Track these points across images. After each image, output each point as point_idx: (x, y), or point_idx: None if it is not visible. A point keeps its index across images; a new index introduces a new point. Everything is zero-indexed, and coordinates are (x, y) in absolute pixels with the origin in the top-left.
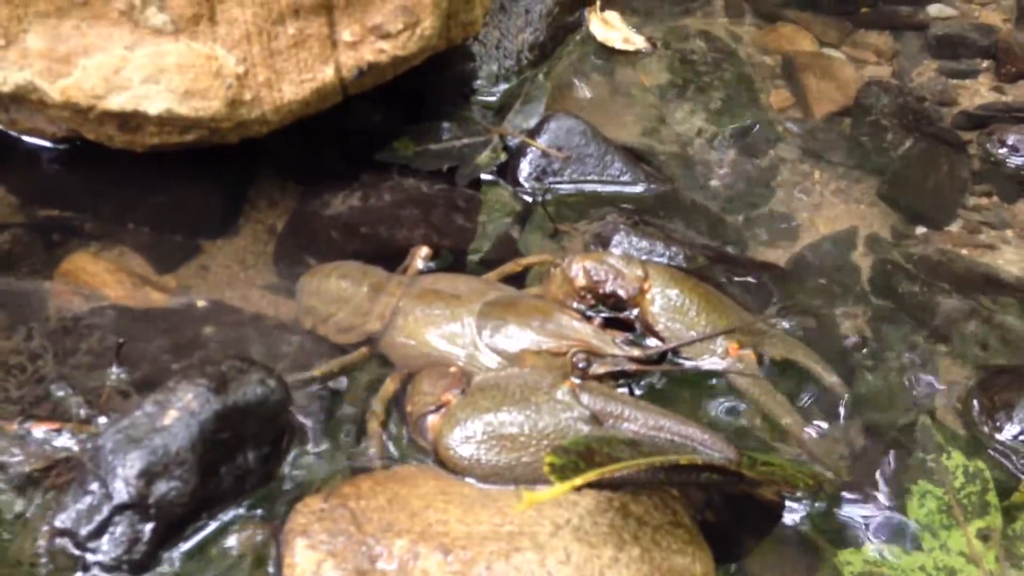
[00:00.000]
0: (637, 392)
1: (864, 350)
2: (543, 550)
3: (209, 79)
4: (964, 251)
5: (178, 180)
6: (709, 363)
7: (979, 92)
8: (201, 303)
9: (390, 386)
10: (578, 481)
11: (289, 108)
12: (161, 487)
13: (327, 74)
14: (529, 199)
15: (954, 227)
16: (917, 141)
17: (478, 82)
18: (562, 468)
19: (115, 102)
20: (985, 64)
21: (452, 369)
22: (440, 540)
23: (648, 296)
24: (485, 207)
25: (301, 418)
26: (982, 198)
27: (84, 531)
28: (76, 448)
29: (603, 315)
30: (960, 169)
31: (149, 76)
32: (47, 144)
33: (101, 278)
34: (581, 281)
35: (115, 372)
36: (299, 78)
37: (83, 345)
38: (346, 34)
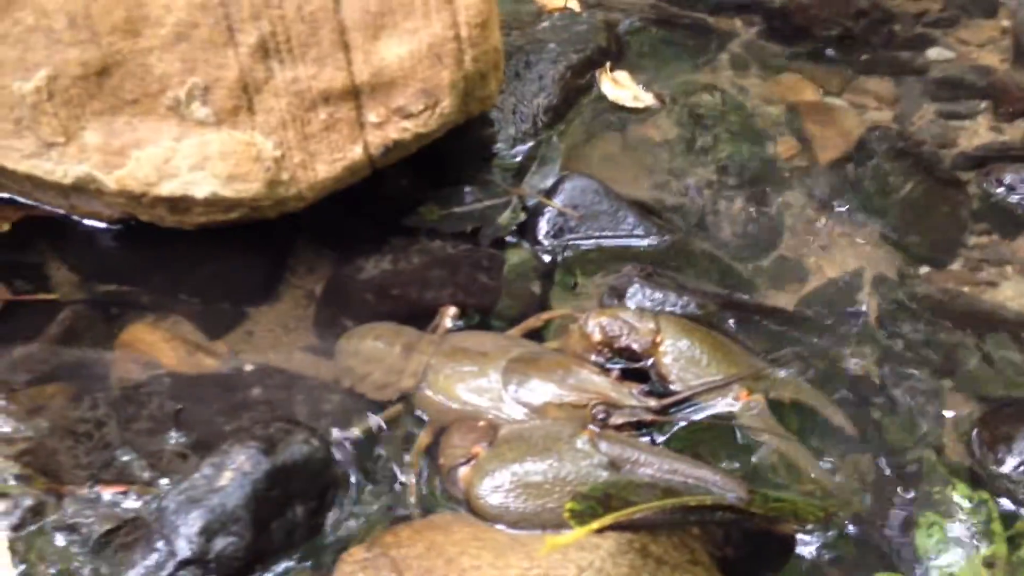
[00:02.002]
0: (660, 439)
1: (872, 388)
2: None
3: (249, 164)
4: (966, 288)
5: (224, 253)
6: (722, 409)
7: (978, 133)
8: (248, 367)
9: (424, 439)
10: (595, 525)
11: (323, 185)
12: (219, 543)
13: (356, 153)
14: (549, 256)
15: (956, 265)
16: (918, 183)
17: (497, 146)
18: (581, 513)
19: (166, 188)
20: (983, 105)
21: (480, 423)
22: None
23: (661, 348)
24: (508, 266)
25: (343, 472)
26: (982, 236)
27: None
28: (141, 509)
29: (620, 367)
30: (960, 209)
31: (195, 164)
32: (104, 225)
33: (157, 347)
34: (597, 336)
35: (174, 436)
36: (331, 158)
37: (144, 411)
38: (372, 116)
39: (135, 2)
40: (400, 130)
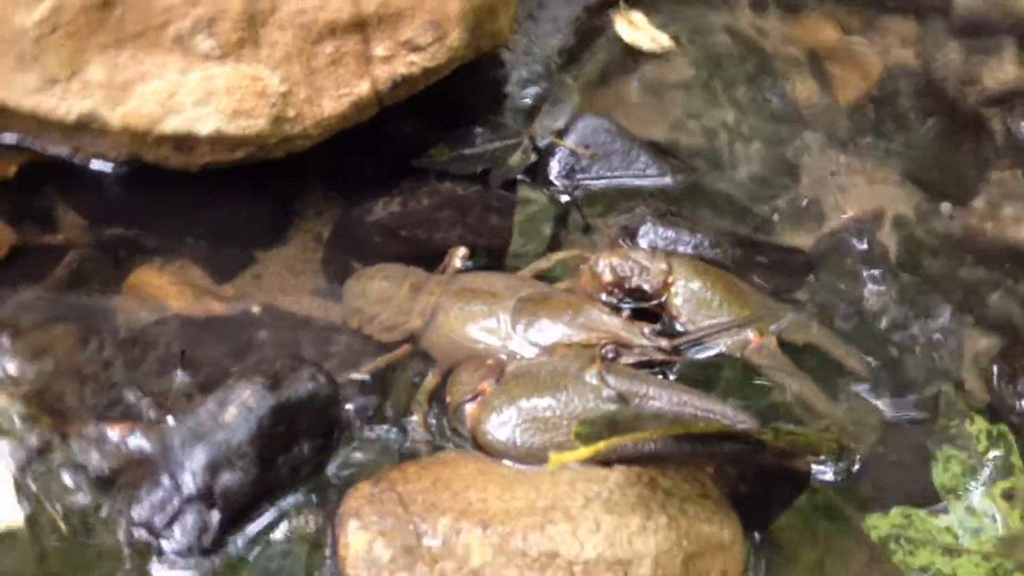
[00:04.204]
0: (671, 378)
1: (891, 325)
2: (575, 521)
3: (255, 99)
4: (988, 225)
5: (232, 195)
6: (734, 350)
7: (1003, 70)
8: (256, 309)
9: (432, 379)
10: (601, 445)
11: (329, 122)
12: (225, 478)
13: (363, 88)
14: (561, 197)
15: (978, 203)
16: (939, 121)
17: (510, 87)
18: (587, 437)
19: (170, 125)
20: (1009, 42)
21: (488, 361)
22: (480, 516)
23: (672, 289)
24: (519, 207)
25: (351, 411)
26: (1005, 173)
27: (158, 521)
28: (147, 447)
29: (631, 306)
30: (982, 146)
31: (200, 99)
32: (109, 168)
33: (165, 290)
34: (608, 277)
35: (180, 376)
36: (337, 93)
37: (150, 353)
38: (379, 49)
39: None
40: (408, 64)
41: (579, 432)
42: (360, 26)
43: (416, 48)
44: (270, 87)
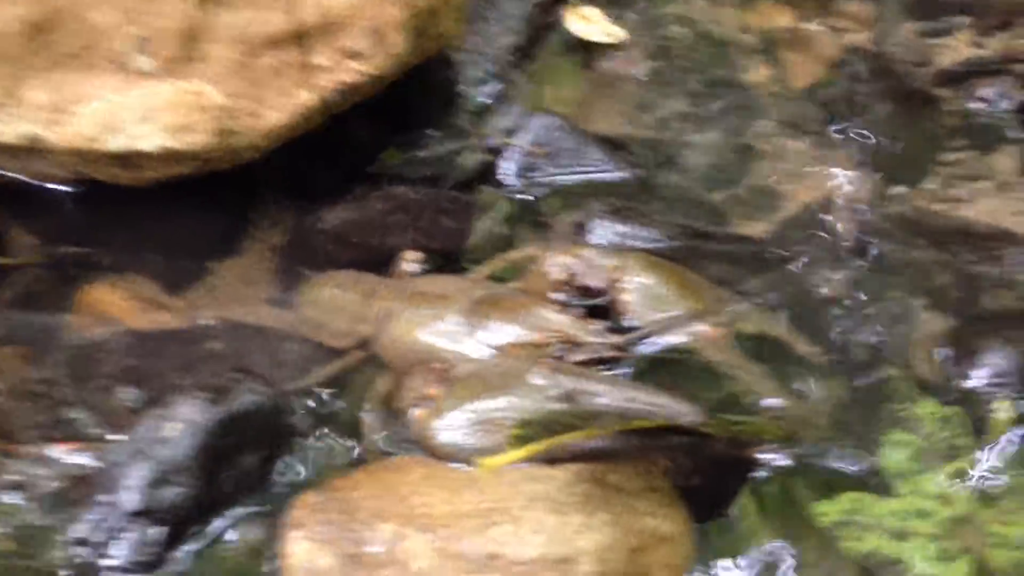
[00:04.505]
0: (625, 374)
1: (843, 311)
2: (517, 522)
3: (197, 114)
4: (940, 206)
5: (186, 209)
6: (686, 343)
7: (957, 49)
8: (209, 321)
9: (383, 385)
10: (535, 447)
11: (276, 133)
12: (167, 494)
13: (307, 98)
14: (515, 196)
15: (930, 184)
16: (893, 103)
17: (462, 88)
18: (523, 438)
19: (113, 144)
20: (964, 21)
21: (437, 365)
22: (424, 521)
23: (623, 285)
24: (475, 208)
25: (300, 420)
26: (958, 153)
27: (98, 539)
28: (92, 464)
29: (582, 304)
30: (935, 127)
31: (142, 117)
32: (62, 188)
33: (117, 306)
34: (559, 275)
35: (129, 392)
36: (281, 104)
37: (100, 369)
38: (321, 59)
39: None
40: (351, 72)
41: (516, 434)
42: (299, 37)
43: (358, 56)
44: (212, 101)
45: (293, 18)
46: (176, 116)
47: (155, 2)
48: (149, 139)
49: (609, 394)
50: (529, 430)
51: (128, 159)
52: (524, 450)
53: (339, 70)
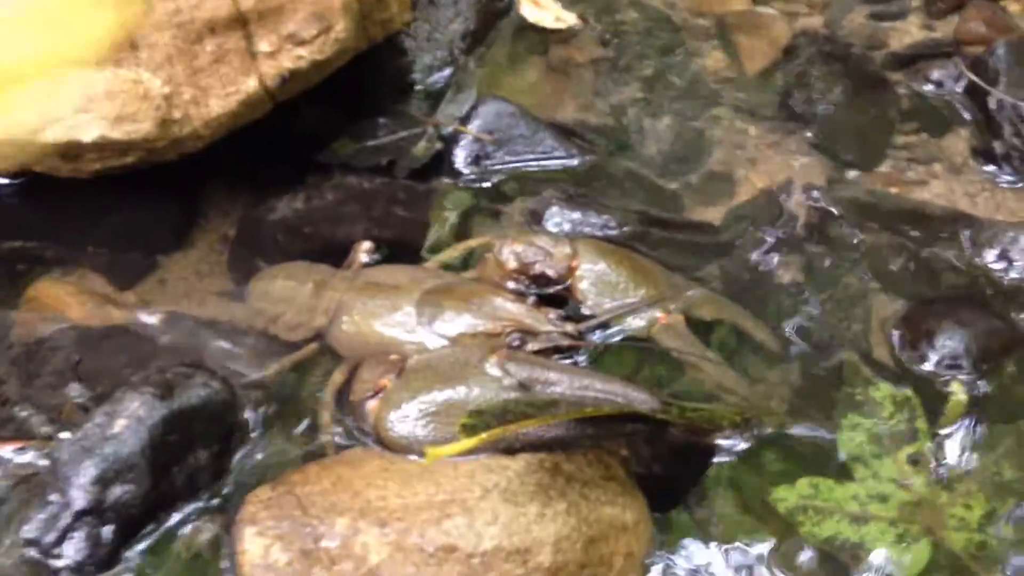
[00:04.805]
0: (582, 363)
1: (798, 295)
2: (471, 513)
3: (137, 103)
4: (893, 189)
5: (134, 201)
6: (641, 330)
7: (909, 32)
8: (159, 315)
9: (338, 377)
10: (484, 436)
11: (219, 121)
12: (116, 491)
13: (251, 85)
14: (469, 184)
15: (884, 167)
16: (846, 87)
17: (413, 76)
18: (473, 428)
19: (51, 134)
20: (915, 3)
21: (390, 356)
22: (378, 515)
23: (578, 273)
24: (429, 197)
25: (253, 415)
26: (910, 136)
27: (48, 539)
28: (39, 463)
29: (537, 293)
30: (888, 110)
31: (80, 106)
32: (5, 181)
33: (63, 301)
34: (512, 264)
35: (77, 389)
36: (224, 92)
37: (46, 367)
38: (263, 45)
39: None
40: (295, 58)
41: (465, 423)
42: (241, 22)
43: (301, 42)
44: (152, 90)
45: (235, 3)
46: (116, 105)
47: None
48: (89, 129)
49: (564, 383)
50: (479, 419)
51: (67, 150)
52: (472, 440)
53: (282, 56)
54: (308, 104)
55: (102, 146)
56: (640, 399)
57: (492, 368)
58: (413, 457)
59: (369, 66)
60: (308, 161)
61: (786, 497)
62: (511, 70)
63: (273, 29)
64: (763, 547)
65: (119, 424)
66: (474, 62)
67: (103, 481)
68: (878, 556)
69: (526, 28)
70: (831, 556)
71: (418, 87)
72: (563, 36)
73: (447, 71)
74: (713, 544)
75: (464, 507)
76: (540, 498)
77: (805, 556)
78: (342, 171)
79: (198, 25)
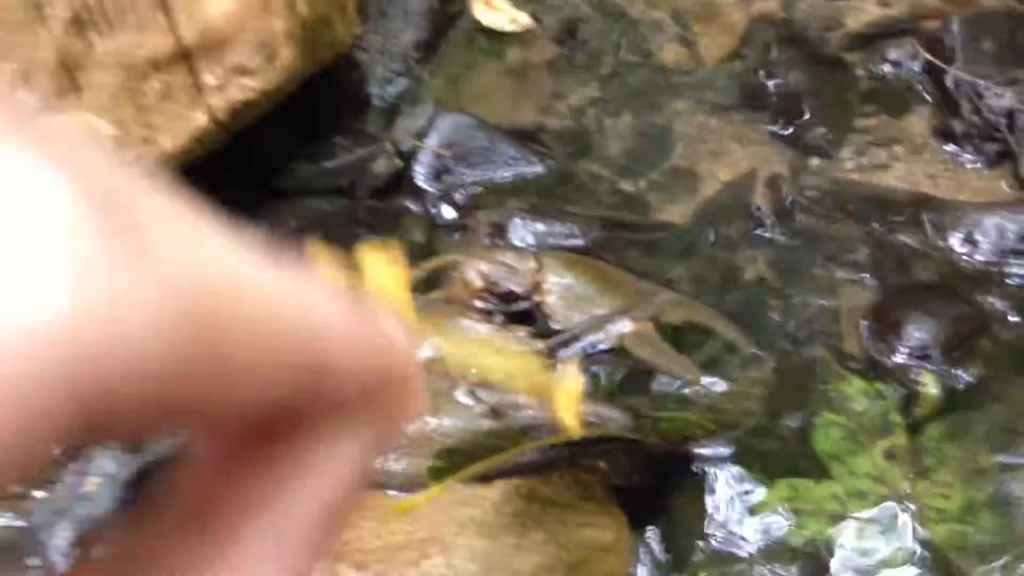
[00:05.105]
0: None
1: (768, 291)
2: (449, 551)
3: None
4: (856, 175)
5: None
6: (611, 341)
7: (865, 10)
8: None
9: None
10: (452, 479)
11: (170, 158)
12: (97, 553)
13: (200, 119)
14: (432, 201)
15: (846, 152)
16: (803, 72)
17: (368, 90)
18: (442, 470)
19: None
20: None
21: None
22: (356, 557)
23: (544, 287)
24: (391, 217)
25: None
26: (870, 119)
27: None
28: (14, 525)
29: (505, 311)
30: (847, 93)
31: None
32: None
33: None
34: (479, 284)
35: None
36: (174, 128)
37: None
38: (209, 78)
39: None
40: (243, 89)
41: (432, 466)
42: (184, 57)
43: (247, 72)
44: (101, 132)
45: (175, 39)
46: None
47: (27, 34)
48: None
49: (535, 405)
50: (448, 460)
51: None
52: (440, 487)
53: (230, 88)
54: (262, 127)
55: None
56: (611, 416)
57: (462, 396)
58: (392, 492)
59: (322, 84)
60: (267, 186)
61: (766, 499)
62: (467, 77)
63: (218, 61)
64: (745, 551)
65: (91, 482)
66: (429, 72)
67: (82, 543)
68: (858, 552)
69: (480, 32)
70: (813, 556)
71: (374, 102)
72: (518, 38)
73: (402, 83)
74: (696, 553)
75: (442, 545)
76: (516, 528)
77: (787, 557)
78: (302, 194)
79: (142, 63)
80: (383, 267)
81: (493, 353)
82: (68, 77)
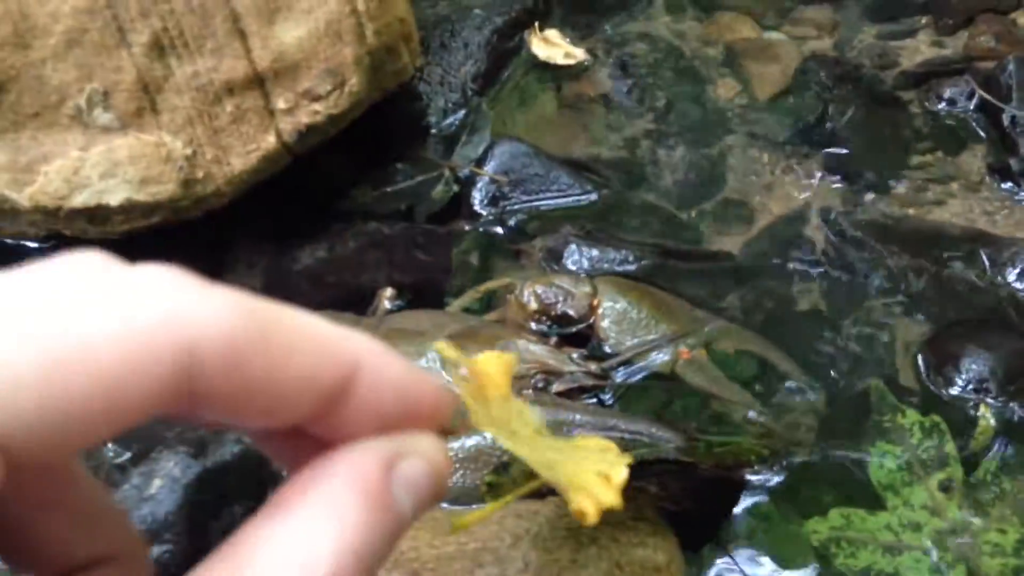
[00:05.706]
0: (608, 402)
1: (821, 322)
2: (503, 562)
3: (161, 165)
4: (911, 211)
5: (160, 257)
6: (664, 367)
7: (919, 50)
8: None
9: None
10: (509, 498)
11: (240, 178)
12: (155, 551)
13: (270, 142)
14: (488, 226)
15: (900, 188)
16: (858, 108)
17: (428, 119)
18: (498, 487)
19: (79, 200)
20: (923, 21)
21: None
22: (411, 566)
23: (599, 311)
24: (449, 241)
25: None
26: (926, 155)
27: None
28: None
29: (560, 333)
30: (901, 130)
31: (106, 171)
32: (34, 244)
33: None
34: (534, 306)
35: (112, 448)
36: (244, 150)
37: None
38: (280, 102)
39: (20, 14)
40: (311, 113)
41: (490, 482)
42: (258, 82)
43: (317, 97)
44: (175, 152)
45: (249, 63)
46: (140, 169)
47: (109, 56)
48: (115, 193)
49: (588, 424)
50: (504, 476)
51: (95, 214)
52: (497, 504)
53: (300, 112)
54: (326, 153)
55: (128, 208)
56: (666, 438)
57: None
58: (445, 506)
59: (385, 113)
60: (329, 210)
61: (818, 529)
62: (523, 108)
63: (289, 87)
64: None
65: (155, 484)
66: (487, 103)
67: (145, 543)
68: None
69: (537, 66)
70: None
71: (433, 131)
72: (573, 72)
73: (461, 113)
74: None
75: (496, 556)
76: (571, 543)
77: None
78: (363, 218)
79: (216, 87)
80: (494, 374)
81: (563, 461)
82: (147, 98)
